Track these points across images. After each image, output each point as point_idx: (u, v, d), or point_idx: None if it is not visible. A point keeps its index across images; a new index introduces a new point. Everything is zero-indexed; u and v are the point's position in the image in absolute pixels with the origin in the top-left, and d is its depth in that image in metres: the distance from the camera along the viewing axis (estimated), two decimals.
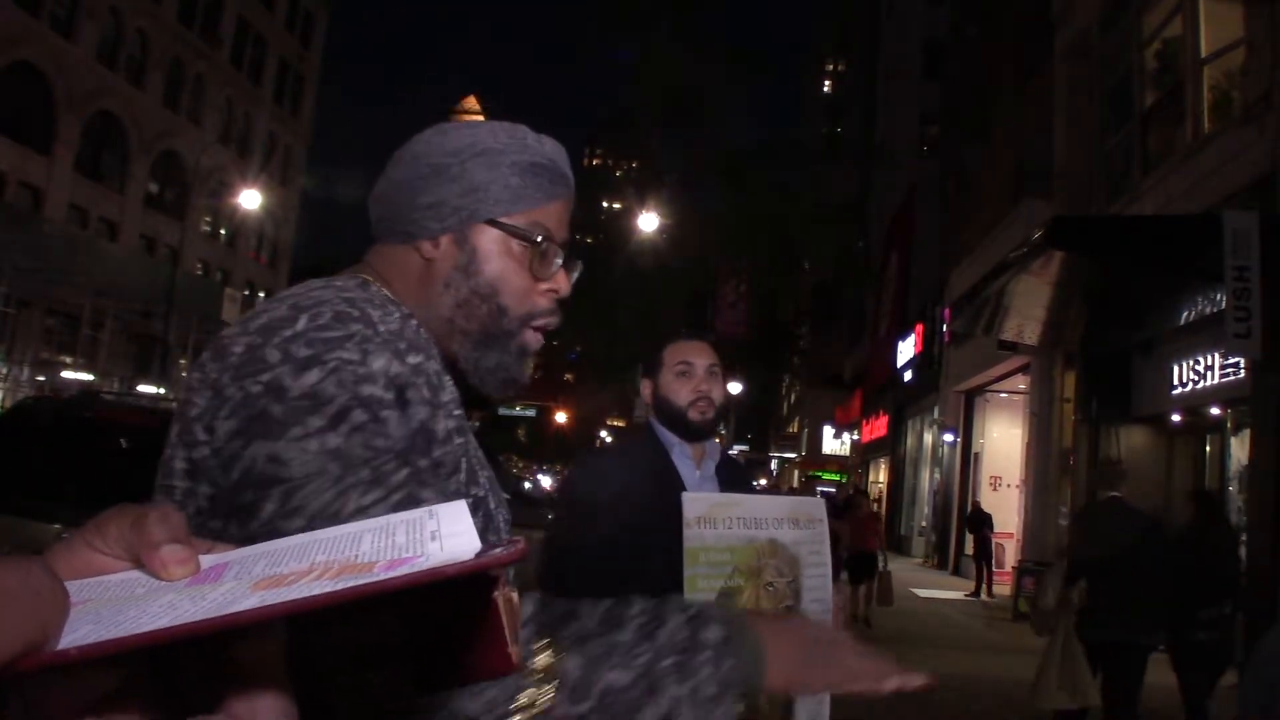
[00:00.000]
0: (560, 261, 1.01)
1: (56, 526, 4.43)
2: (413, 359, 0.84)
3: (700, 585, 1.74)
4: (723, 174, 24.47)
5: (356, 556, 0.39)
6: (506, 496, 1.71)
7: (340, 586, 0.34)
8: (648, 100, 23.99)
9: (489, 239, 0.98)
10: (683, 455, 2.11)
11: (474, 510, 0.80)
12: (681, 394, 2.10)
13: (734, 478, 2.25)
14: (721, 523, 1.79)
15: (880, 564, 10.69)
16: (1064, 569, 4.76)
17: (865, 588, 10.53)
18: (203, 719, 0.35)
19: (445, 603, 0.40)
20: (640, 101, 24.31)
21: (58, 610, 0.31)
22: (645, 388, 2.19)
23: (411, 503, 0.74)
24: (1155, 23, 10.52)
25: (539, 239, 0.98)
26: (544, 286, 1.01)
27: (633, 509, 1.96)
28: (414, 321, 0.95)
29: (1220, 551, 4.49)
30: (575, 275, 1.08)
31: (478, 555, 0.37)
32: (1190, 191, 8.88)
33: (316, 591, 0.33)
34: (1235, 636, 4.19)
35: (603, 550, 1.94)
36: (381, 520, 0.44)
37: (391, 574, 0.35)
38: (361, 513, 0.73)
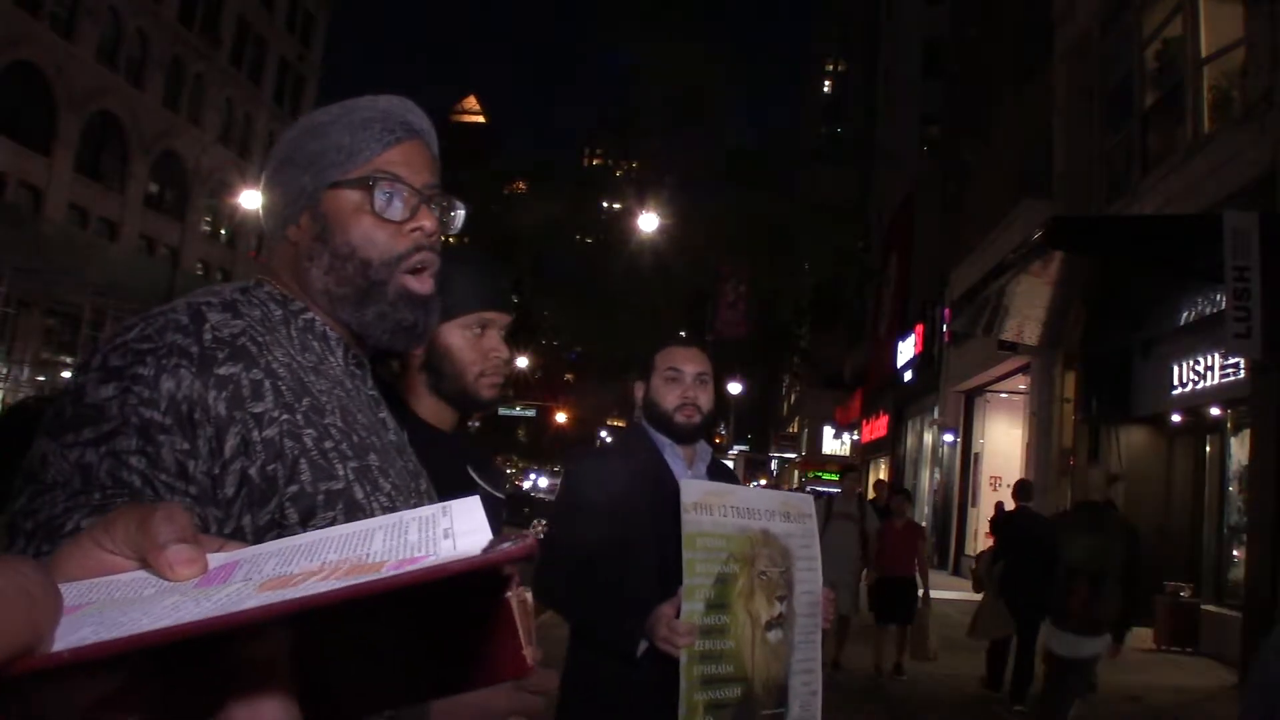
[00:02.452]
0: (417, 202, 1.02)
1: None
2: (225, 370, 0.85)
3: (698, 569, 1.78)
4: (723, 174, 24.48)
5: (367, 555, 0.39)
6: (500, 495, 1.72)
7: (343, 584, 0.33)
8: (648, 101, 23.99)
9: (336, 202, 1.00)
10: (675, 455, 2.15)
11: (330, 503, 0.86)
12: (669, 398, 2.14)
13: (725, 477, 2.27)
14: (717, 509, 1.83)
15: (920, 597, 7.72)
16: (993, 552, 7.26)
17: (898, 631, 7.78)
18: None
19: (457, 603, 0.40)
20: (641, 102, 24.30)
21: (50, 611, 0.31)
22: (638, 389, 2.23)
23: None
24: (1155, 23, 10.52)
25: (371, 181, 0.99)
26: (407, 228, 1.01)
27: (628, 505, 1.99)
28: (309, 315, 1.00)
29: (1095, 550, 5.16)
30: (455, 214, 1.08)
31: (485, 551, 0.36)
32: (1190, 191, 8.88)
33: (319, 590, 0.33)
34: (1102, 615, 5.09)
35: (599, 546, 1.97)
36: (394, 517, 0.44)
37: (401, 571, 0.35)
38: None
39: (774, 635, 1.86)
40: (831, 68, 48.69)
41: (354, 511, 0.89)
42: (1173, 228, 8.43)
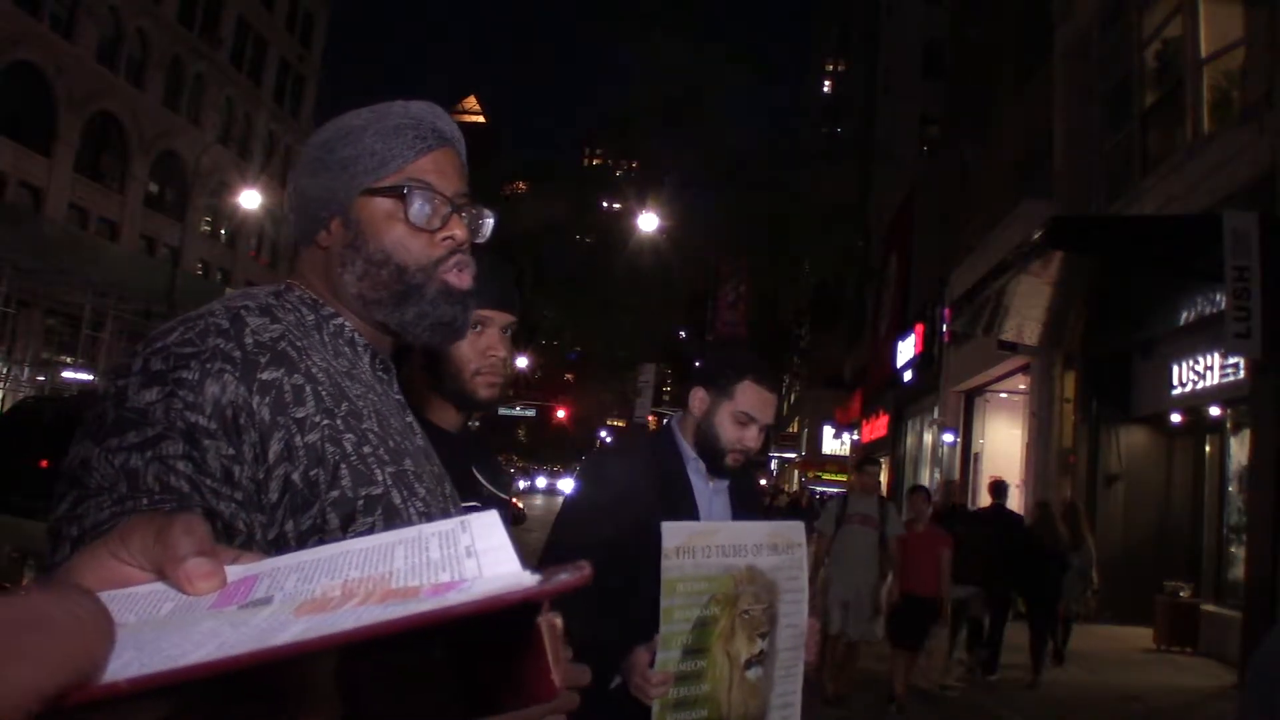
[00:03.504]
0: (449, 209, 1.02)
1: None
2: (268, 374, 0.85)
3: (676, 616, 1.72)
4: (723, 174, 24.47)
5: (390, 574, 0.38)
6: (505, 497, 1.71)
7: (396, 615, 0.32)
8: (648, 101, 24.00)
9: (369, 209, 1.00)
10: (697, 470, 2.08)
11: (369, 509, 0.86)
12: (729, 437, 2.03)
13: (745, 488, 2.22)
14: (700, 551, 1.76)
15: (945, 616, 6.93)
16: None
17: (906, 657, 6.68)
18: None
19: (488, 627, 0.39)
20: (641, 102, 24.31)
21: (105, 640, 0.30)
22: (696, 395, 2.09)
23: None
24: (1155, 23, 10.52)
25: (405, 189, 0.99)
26: (439, 237, 1.01)
27: (636, 517, 1.92)
28: (339, 320, 1.00)
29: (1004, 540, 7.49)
30: (484, 222, 1.09)
31: (542, 582, 0.35)
32: (1190, 191, 8.88)
33: (370, 621, 0.32)
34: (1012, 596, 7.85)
35: (601, 554, 1.90)
36: (413, 532, 0.43)
37: (448, 599, 0.34)
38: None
39: (753, 673, 1.81)
40: (831, 68, 48.65)
41: (392, 517, 0.89)
42: (1173, 228, 8.43)
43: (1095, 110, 11.82)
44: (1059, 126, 12.84)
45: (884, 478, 24.34)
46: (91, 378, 21.54)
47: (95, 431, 0.81)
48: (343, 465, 0.87)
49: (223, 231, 32.56)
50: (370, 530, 0.86)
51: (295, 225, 1.06)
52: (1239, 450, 9.01)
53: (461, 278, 1.03)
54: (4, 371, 20.50)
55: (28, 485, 4.66)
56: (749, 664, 1.80)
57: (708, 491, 2.07)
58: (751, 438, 2.04)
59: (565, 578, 0.35)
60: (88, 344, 22.96)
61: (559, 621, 0.41)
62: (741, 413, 2.03)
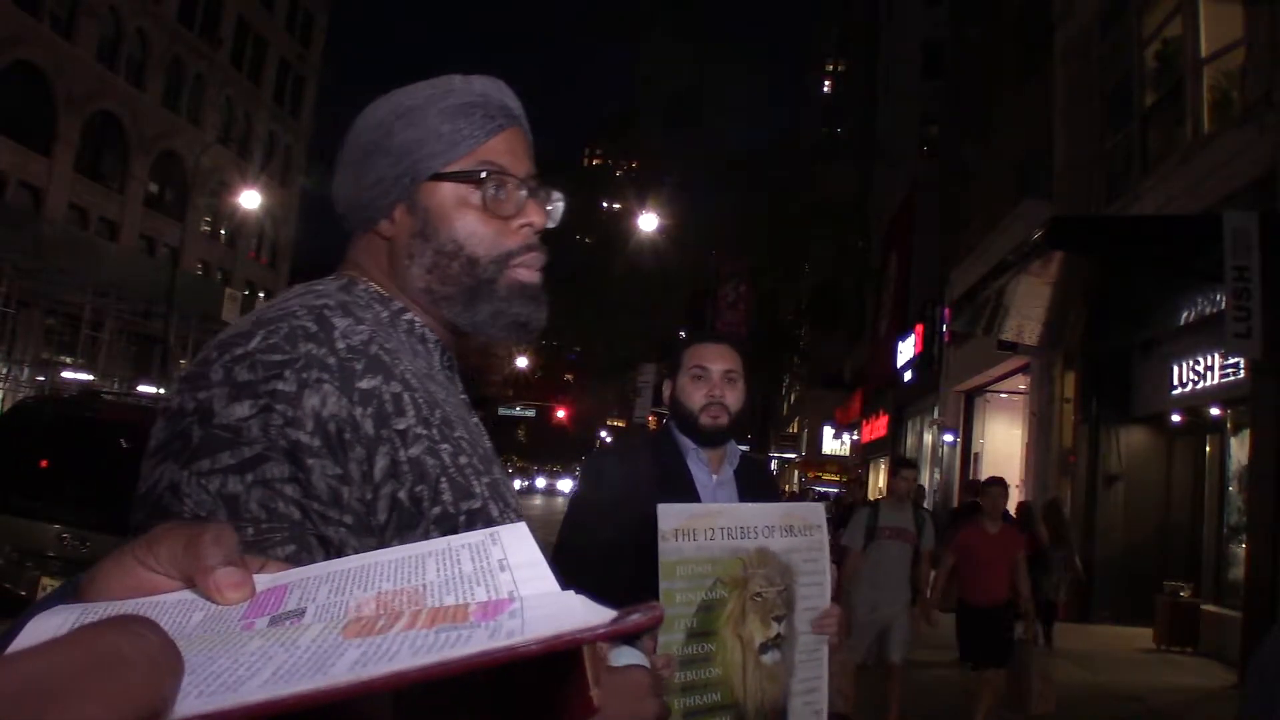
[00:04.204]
0: (525, 193, 0.95)
1: (56, 527, 4.43)
2: (366, 383, 0.78)
3: (677, 600, 1.68)
4: (723, 174, 24.48)
5: (424, 588, 0.37)
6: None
7: (463, 653, 0.31)
8: (648, 101, 23.99)
9: (437, 195, 0.93)
10: (698, 460, 2.06)
11: (470, 524, 0.79)
12: (695, 398, 2.04)
13: (754, 480, 2.18)
14: (702, 533, 1.73)
15: (1020, 634, 5.88)
16: None
17: (992, 678, 5.72)
18: None
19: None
20: (641, 102, 24.30)
21: (174, 676, 0.29)
22: (665, 388, 2.15)
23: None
24: (1155, 23, 10.52)
25: (483, 174, 0.92)
26: (515, 224, 0.95)
27: (638, 514, 1.90)
28: (409, 315, 0.93)
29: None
30: (556, 205, 1.02)
31: (615, 621, 0.34)
32: (1190, 191, 8.88)
33: (443, 657, 0.31)
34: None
35: (607, 554, 1.90)
36: (443, 543, 0.42)
37: (502, 626, 0.32)
38: None
39: (770, 657, 1.78)
40: (831, 68, 48.65)
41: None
42: (1173, 228, 8.43)
43: (1095, 110, 11.81)
44: (1059, 126, 12.84)
45: (884, 478, 24.17)
46: (91, 378, 21.55)
47: (180, 451, 0.74)
48: (443, 479, 0.80)
49: (223, 231, 32.55)
50: None
51: (351, 214, 0.97)
52: (1239, 450, 9.01)
53: (531, 274, 0.97)
54: (4, 371, 20.49)
55: (28, 485, 4.65)
56: (765, 648, 1.77)
57: (711, 484, 2.06)
58: (717, 386, 2.04)
59: (638, 618, 0.34)
60: (88, 344, 22.95)
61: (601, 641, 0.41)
62: (693, 367, 2.07)
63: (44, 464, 4.87)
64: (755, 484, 2.16)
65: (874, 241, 30.09)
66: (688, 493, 2.01)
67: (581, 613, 0.34)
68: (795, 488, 32.33)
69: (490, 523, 0.82)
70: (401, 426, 0.79)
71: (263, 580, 0.39)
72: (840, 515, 9.09)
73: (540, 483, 67.34)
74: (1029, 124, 14.36)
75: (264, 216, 31.63)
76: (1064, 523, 8.51)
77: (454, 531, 0.78)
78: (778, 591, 1.79)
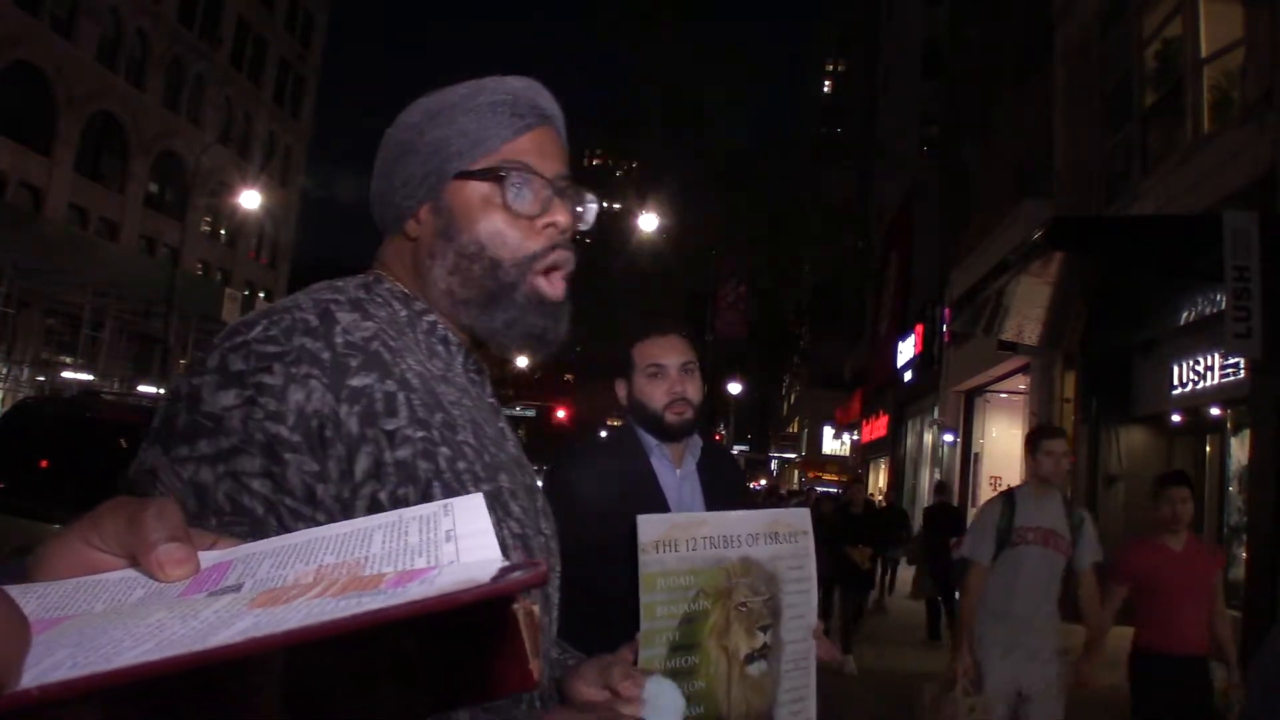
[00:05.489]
0: (551, 193, 0.93)
1: (57, 526, 4.43)
2: (358, 380, 0.78)
3: (659, 613, 1.63)
4: (723, 174, 24.48)
5: (366, 559, 0.37)
6: None
7: (339, 615, 0.31)
8: (648, 102, 24.02)
9: (462, 194, 0.92)
10: (662, 457, 2.03)
11: None
12: (655, 397, 1.99)
13: (718, 469, 2.14)
14: (684, 544, 1.67)
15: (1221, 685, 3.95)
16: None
17: None
18: None
19: (462, 615, 0.38)
20: (641, 103, 24.33)
21: (17, 644, 0.28)
22: (620, 389, 2.09)
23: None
24: (1155, 23, 10.52)
25: (503, 172, 0.91)
26: (540, 224, 0.93)
27: (602, 516, 1.85)
28: (431, 317, 0.93)
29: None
30: (588, 207, 0.99)
31: (494, 579, 0.34)
32: (1190, 191, 8.88)
33: (312, 622, 0.31)
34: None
35: (570, 557, 1.88)
36: (394, 515, 0.42)
37: (400, 596, 0.33)
38: None
39: (756, 668, 1.73)
40: (831, 68, 48.66)
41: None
42: (1173, 228, 8.42)
43: (1095, 110, 11.81)
44: (1059, 126, 12.83)
45: (885, 481, 24.24)
46: (91, 378, 21.55)
47: (165, 436, 0.75)
48: (435, 483, 0.79)
49: (223, 231, 32.56)
50: None
51: (381, 212, 0.97)
52: (1239, 450, 9.01)
53: (554, 284, 0.94)
54: (4, 371, 20.49)
55: (28, 485, 4.66)
56: (750, 658, 1.72)
57: (675, 479, 2.02)
58: (676, 383, 1.99)
59: (519, 576, 0.35)
60: (88, 344, 22.95)
61: (537, 609, 0.40)
62: (648, 366, 2.01)
63: (44, 464, 4.87)
64: (720, 474, 2.12)
65: (874, 241, 30.09)
66: (654, 493, 1.96)
67: (464, 574, 0.35)
68: (795, 486, 32.33)
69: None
70: (390, 427, 0.78)
71: (209, 557, 0.39)
72: (842, 523, 8.64)
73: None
74: (1029, 124, 14.36)
75: (264, 216, 31.62)
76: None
77: None
78: (763, 601, 1.73)
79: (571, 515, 1.89)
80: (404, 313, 0.91)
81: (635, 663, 1.59)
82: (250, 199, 24.29)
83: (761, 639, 1.73)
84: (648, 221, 22.89)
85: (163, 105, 28.27)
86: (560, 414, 41.74)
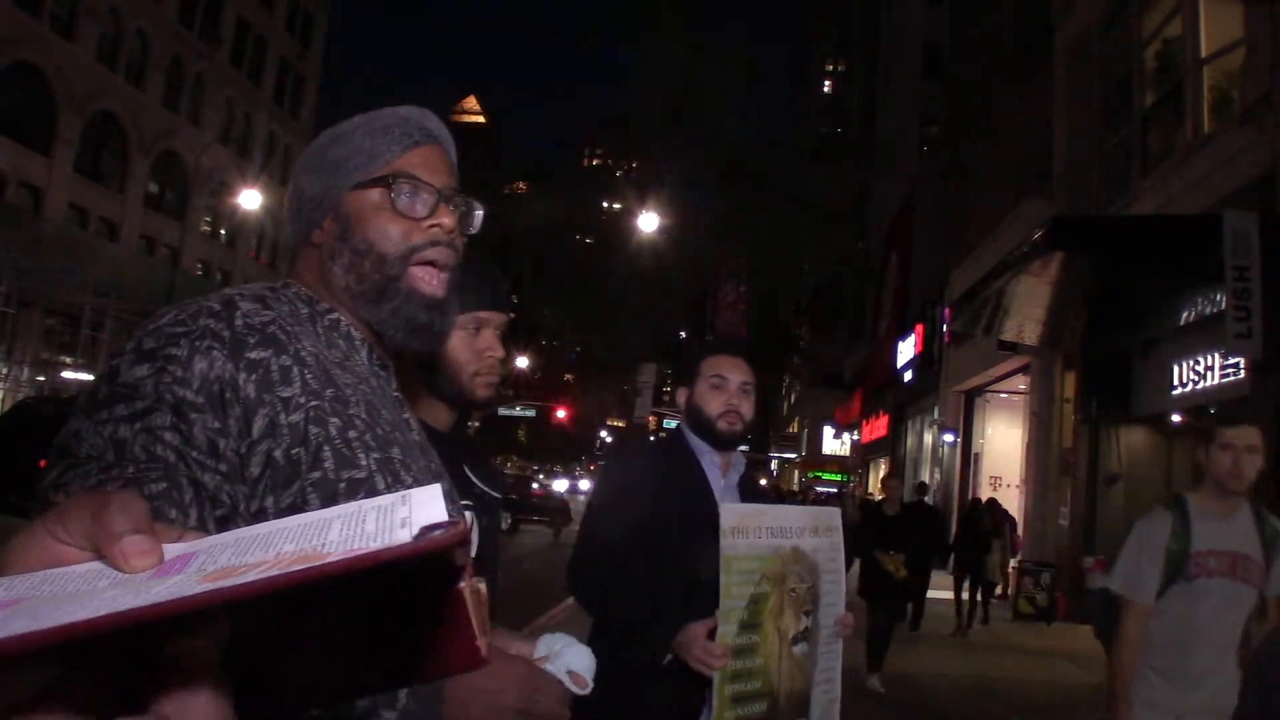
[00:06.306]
0: (436, 200, 1.05)
1: None
2: (256, 354, 0.87)
3: (734, 592, 1.85)
4: (723, 174, 24.49)
5: (323, 545, 0.38)
6: (497, 495, 1.72)
7: (275, 574, 0.33)
8: (648, 102, 24.02)
9: (358, 202, 1.04)
10: (711, 464, 2.20)
11: (351, 491, 0.87)
12: (713, 405, 2.18)
13: (754, 493, 2.34)
14: (752, 532, 1.90)
15: None
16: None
17: None
18: None
19: (408, 593, 0.39)
20: (641, 103, 24.32)
21: None
22: (680, 395, 2.28)
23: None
24: (1155, 23, 10.52)
25: (392, 180, 1.03)
26: (426, 224, 1.04)
27: (660, 511, 2.05)
28: (334, 315, 1.03)
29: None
30: (473, 213, 1.11)
31: (415, 538, 0.36)
32: (1190, 191, 8.88)
33: (241, 581, 0.32)
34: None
35: (630, 549, 2.02)
36: (354, 506, 0.43)
37: (330, 559, 0.34)
38: None
39: (800, 649, 1.94)
40: (831, 68, 48.67)
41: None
42: (1173, 228, 8.42)
43: (1095, 110, 11.82)
44: (1059, 126, 12.84)
45: (882, 477, 24.29)
46: (91, 378, 21.55)
47: (88, 406, 0.83)
48: (326, 447, 0.88)
49: (222, 231, 32.57)
50: None
51: (293, 228, 1.09)
52: None
53: (430, 281, 1.04)
54: (4, 371, 20.50)
55: (28, 485, 4.66)
56: (796, 639, 1.94)
57: (721, 486, 2.19)
58: (734, 395, 2.19)
59: (438, 535, 0.36)
60: (87, 344, 22.96)
61: (484, 588, 0.41)
62: (712, 376, 2.21)
63: (44, 464, 4.87)
64: (755, 496, 2.32)
65: (874, 241, 30.10)
66: (704, 492, 2.14)
67: (391, 538, 0.36)
68: (795, 486, 32.33)
69: (375, 494, 0.88)
70: (286, 395, 0.87)
71: (173, 549, 0.40)
72: (873, 526, 7.71)
73: (561, 485, 67.26)
74: (1029, 124, 14.36)
75: (264, 216, 31.64)
76: (1000, 517, 11.52)
77: (334, 496, 0.86)
78: (807, 588, 1.97)
79: (624, 510, 2.09)
80: (306, 311, 1.01)
81: (711, 637, 1.83)
82: (250, 199, 24.31)
83: (805, 622, 1.97)
84: (648, 221, 22.90)
85: (163, 105, 28.28)
86: (560, 414, 41.73)
